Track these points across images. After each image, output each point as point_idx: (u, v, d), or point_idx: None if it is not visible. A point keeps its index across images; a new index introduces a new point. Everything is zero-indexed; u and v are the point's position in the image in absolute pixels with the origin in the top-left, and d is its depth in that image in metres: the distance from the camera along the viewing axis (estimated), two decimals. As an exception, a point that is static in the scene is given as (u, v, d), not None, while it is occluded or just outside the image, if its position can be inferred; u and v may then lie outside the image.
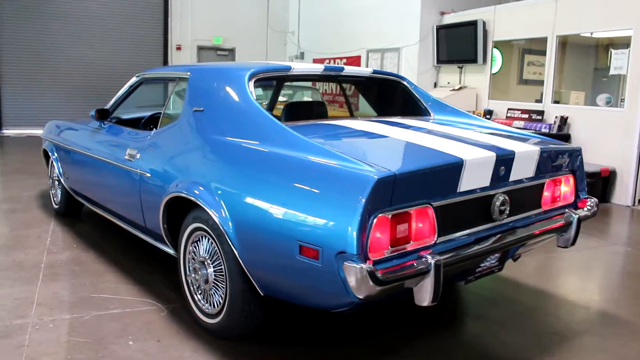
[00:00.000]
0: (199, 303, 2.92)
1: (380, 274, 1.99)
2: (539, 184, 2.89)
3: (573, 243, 2.98)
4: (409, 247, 2.19)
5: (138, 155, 3.42)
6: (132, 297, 3.35)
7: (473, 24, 9.06)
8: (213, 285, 2.78)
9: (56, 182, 5.11)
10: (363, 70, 3.81)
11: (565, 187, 3.10)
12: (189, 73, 3.38)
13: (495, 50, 9.13)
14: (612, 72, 7.17)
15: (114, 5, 13.04)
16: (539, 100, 8.25)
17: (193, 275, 2.94)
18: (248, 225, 2.44)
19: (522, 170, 2.71)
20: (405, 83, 3.90)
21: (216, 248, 2.71)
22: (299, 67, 3.45)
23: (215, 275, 2.76)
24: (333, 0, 12.60)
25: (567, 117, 7.56)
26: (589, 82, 9.57)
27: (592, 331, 3.17)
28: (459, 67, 9.68)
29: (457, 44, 9.46)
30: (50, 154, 5.06)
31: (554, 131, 7.48)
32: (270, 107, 4.54)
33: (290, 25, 14.52)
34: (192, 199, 2.74)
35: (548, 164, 2.92)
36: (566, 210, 3.02)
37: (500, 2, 9.05)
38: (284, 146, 2.46)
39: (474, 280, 2.67)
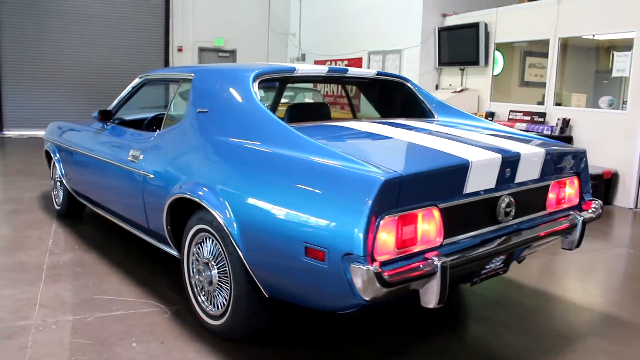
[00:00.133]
0: (202, 305, 2.91)
1: (387, 276, 1.98)
2: (543, 185, 2.88)
3: (578, 245, 2.97)
4: (415, 248, 2.18)
5: (141, 157, 3.41)
6: (135, 298, 3.34)
7: (475, 26, 9.06)
8: (217, 287, 2.77)
9: (58, 184, 5.11)
10: (367, 71, 3.81)
11: (570, 189, 3.09)
12: (192, 74, 3.38)
13: (496, 52, 9.12)
14: (614, 74, 7.17)
15: (115, 7, 13.05)
16: (541, 103, 8.25)
17: (197, 276, 2.93)
18: (253, 227, 2.43)
19: (528, 172, 2.71)
20: (409, 85, 3.90)
21: (220, 249, 2.70)
22: (303, 68, 3.44)
23: (219, 276, 2.75)
24: (334, 2, 12.61)
25: (569, 120, 7.55)
26: (590, 84, 9.56)
27: (596, 333, 3.16)
28: (460, 69, 9.69)
29: (459, 46, 9.46)
30: (52, 155, 5.05)
31: (556, 133, 7.47)
32: (273, 109, 4.53)
33: (292, 27, 14.53)
34: (197, 200, 2.73)
35: (553, 166, 2.91)
36: (571, 212, 3.01)
37: (502, 4, 9.04)
38: (289, 147, 2.45)
39: (479, 282, 2.65)
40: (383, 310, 3.24)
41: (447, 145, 2.65)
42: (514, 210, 2.62)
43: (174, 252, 3.26)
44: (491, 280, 2.73)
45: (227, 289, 2.70)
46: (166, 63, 13.56)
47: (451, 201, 2.33)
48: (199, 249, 2.90)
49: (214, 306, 2.82)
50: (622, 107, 7.27)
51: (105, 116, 4.17)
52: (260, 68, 3.11)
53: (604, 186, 6.82)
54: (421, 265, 2.12)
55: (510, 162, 2.56)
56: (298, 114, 3.58)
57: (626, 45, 7.07)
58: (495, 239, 2.53)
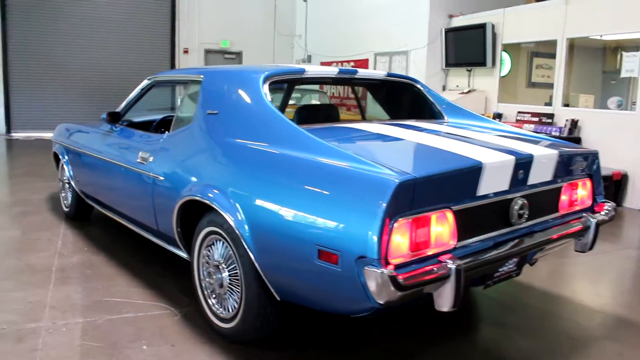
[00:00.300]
0: (213, 307, 2.89)
1: (402, 279, 1.96)
2: (556, 187, 2.86)
3: (591, 247, 2.94)
4: (429, 251, 2.17)
5: (151, 159, 3.40)
6: (145, 300, 3.34)
7: (482, 26, 9.03)
8: (228, 290, 2.76)
9: (66, 185, 5.11)
10: (377, 73, 3.79)
11: (583, 191, 3.06)
12: (202, 76, 3.37)
13: (503, 53, 9.09)
14: (623, 74, 7.12)
15: (121, 9, 13.09)
16: (548, 103, 8.21)
17: (207, 279, 2.91)
18: (265, 229, 2.42)
19: (541, 173, 2.68)
20: (419, 86, 3.88)
21: (231, 252, 2.68)
22: (313, 69, 3.43)
23: (230, 279, 2.74)
24: (340, 4, 12.60)
25: (577, 120, 7.51)
26: (597, 85, 9.52)
27: (608, 336, 3.14)
28: (467, 70, 9.66)
29: (466, 47, 9.43)
30: (60, 156, 5.05)
31: (565, 134, 7.43)
32: (281, 111, 4.50)
33: (297, 28, 14.53)
34: (207, 202, 2.72)
35: (565, 168, 2.89)
36: (583, 214, 2.99)
37: (509, 5, 9.00)
38: (301, 149, 2.44)
39: (492, 285, 2.63)
40: (394, 313, 3.22)
41: (459, 146, 2.63)
42: (527, 212, 2.60)
43: (184, 255, 3.25)
44: (501, 282, 2.71)
45: (238, 292, 2.68)
46: (172, 65, 13.59)
47: (464, 203, 2.31)
48: (209, 251, 2.89)
49: (225, 309, 2.81)
50: (631, 108, 7.23)
51: (114, 118, 4.17)
52: (270, 69, 3.09)
53: (613, 187, 6.77)
54: (435, 269, 2.10)
55: (523, 163, 2.54)
56: (307, 115, 3.57)
57: (635, 46, 7.04)
58: (509, 241, 2.50)
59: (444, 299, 2.13)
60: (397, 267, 2.02)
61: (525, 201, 2.58)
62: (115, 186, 3.98)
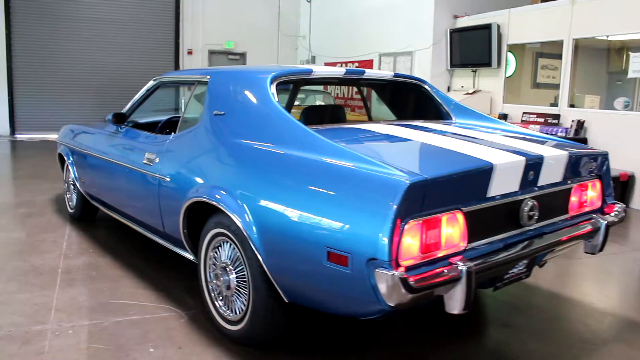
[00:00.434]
0: (220, 310, 2.87)
1: (413, 281, 1.94)
2: (566, 189, 2.83)
3: (601, 249, 2.91)
4: (439, 253, 2.14)
5: (157, 160, 3.38)
6: (151, 303, 3.32)
7: (487, 27, 9.00)
8: (235, 292, 2.74)
9: (71, 187, 5.10)
10: (384, 73, 3.77)
11: (592, 192, 3.03)
12: (208, 76, 3.35)
13: (508, 54, 9.05)
14: (630, 75, 7.09)
15: (126, 10, 13.10)
16: (554, 104, 8.18)
17: (214, 281, 2.89)
18: (273, 231, 2.40)
19: (551, 174, 2.66)
20: (426, 86, 3.86)
21: (239, 254, 2.66)
22: (321, 70, 3.41)
23: (237, 281, 2.72)
24: (344, 4, 12.58)
25: (583, 121, 7.47)
26: (603, 85, 9.48)
27: (619, 338, 3.10)
28: (472, 71, 9.63)
29: (471, 48, 9.40)
30: (65, 158, 5.04)
31: (571, 135, 7.40)
32: (287, 111, 4.49)
33: (301, 29, 14.52)
34: (214, 203, 2.70)
35: (575, 169, 2.86)
36: (593, 215, 2.96)
37: (514, 6, 8.97)
38: (309, 150, 2.41)
39: (502, 287, 2.61)
40: (403, 315, 3.20)
41: (468, 147, 2.61)
42: (537, 213, 2.57)
43: (190, 256, 3.23)
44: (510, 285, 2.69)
45: (246, 294, 2.66)
46: (176, 66, 13.59)
47: (475, 204, 2.28)
48: (216, 253, 2.87)
49: (232, 311, 2.79)
50: (638, 109, 7.19)
51: (120, 119, 4.15)
52: (278, 70, 3.07)
53: (620, 188, 6.73)
54: (446, 271, 2.08)
55: (533, 164, 2.52)
56: (314, 116, 3.55)
57: (641, 46, 7.01)
58: (519, 243, 2.48)
59: (455, 302, 2.11)
60: (408, 269, 1.99)
61: (535, 202, 2.55)
62: (121, 187, 3.97)
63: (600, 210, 3.09)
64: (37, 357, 2.62)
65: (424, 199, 2.03)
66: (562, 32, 7.86)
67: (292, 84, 4.49)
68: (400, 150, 2.79)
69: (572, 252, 3.53)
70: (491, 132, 3.25)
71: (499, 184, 2.35)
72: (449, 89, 10.10)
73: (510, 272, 2.55)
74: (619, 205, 3.15)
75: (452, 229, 2.18)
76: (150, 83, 4.12)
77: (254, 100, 2.92)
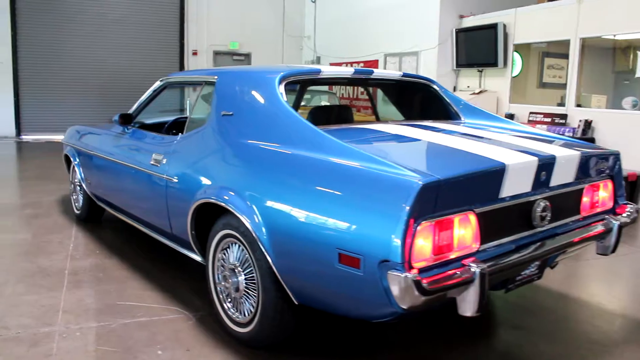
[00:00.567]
0: (228, 312, 2.85)
1: (426, 283, 1.91)
2: (578, 189, 2.80)
3: (614, 250, 2.88)
4: (452, 255, 2.12)
5: (164, 161, 3.36)
6: (159, 304, 3.30)
7: (493, 27, 8.96)
8: (244, 294, 2.72)
9: (78, 188, 5.09)
10: (393, 73, 3.74)
11: (604, 193, 3.00)
12: (216, 77, 3.33)
13: (514, 53, 9.01)
14: (638, 74, 7.04)
15: (131, 11, 13.11)
16: (560, 104, 8.13)
17: (223, 283, 2.87)
18: (283, 232, 2.37)
19: (563, 175, 2.63)
20: (435, 86, 3.83)
21: (247, 255, 2.64)
22: (329, 70, 3.38)
23: (246, 283, 2.70)
24: (349, 4, 12.54)
25: (591, 121, 7.43)
26: (609, 85, 9.42)
27: (630, 340, 3.07)
28: (478, 71, 9.59)
29: (477, 48, 9.36)
30: (72, 159, 5.03)
31: (579, 135, 7.35)
32: (294, 112, 4.47)
33: (306, 29, 14.50)
34: (223, 204, 2.68)
35: (587, 169, 2.83)
36: (605, 216, 2.93)
37: (520, 5, 8.93)
38: (319, 151, 2.39)
39: (513, 288, 2.58)
40: (415, 318, 3.17)
41: (480, 147, 2.58)
42: (549, 214, 2.54)
43: (198, 258, 3.20)
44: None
45: (255, 296, 2.64)
46: (181, 67, 13.60)
47: (487, 205, 2.25)
48: (224, 254, 2.84)
49: (241, 313, 2.76)
50: (646, 108, 7.14)
51: (126, 120, 4.14)
52: (286, 70, 3.05)
53: (628, 189, 6.67)
54: (459, 272, 2.05)
55: (545, 165, 2.49)
56: (321, 116, 3.52)
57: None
58: (531, 244, 2.45)
59: (468, 304, 2.08)
60: (421, 271, 1.97)
61: (547, 203, 2.52)
62: (128, 188, 3.95)
63: (612, 211, 3.06)
64: (45, 360, 2.61)
65: (436, 200, 2.00)
66: (569, 31, 7.82)
67: (299, 84, 4.47)
68: (411, 150, 2.76)
69: (582, 253, 3.49)
70: (501, 132, 3.22)
71: (511, 185, 2.32)
72: (455, 89, 10.05)
73: (523, 273, 2.52)
74: (631, 205, 3.12)
75: (464, 230, 2.15)
76: (157, 83, 4.10)
77: (263, 101, 2.90)
